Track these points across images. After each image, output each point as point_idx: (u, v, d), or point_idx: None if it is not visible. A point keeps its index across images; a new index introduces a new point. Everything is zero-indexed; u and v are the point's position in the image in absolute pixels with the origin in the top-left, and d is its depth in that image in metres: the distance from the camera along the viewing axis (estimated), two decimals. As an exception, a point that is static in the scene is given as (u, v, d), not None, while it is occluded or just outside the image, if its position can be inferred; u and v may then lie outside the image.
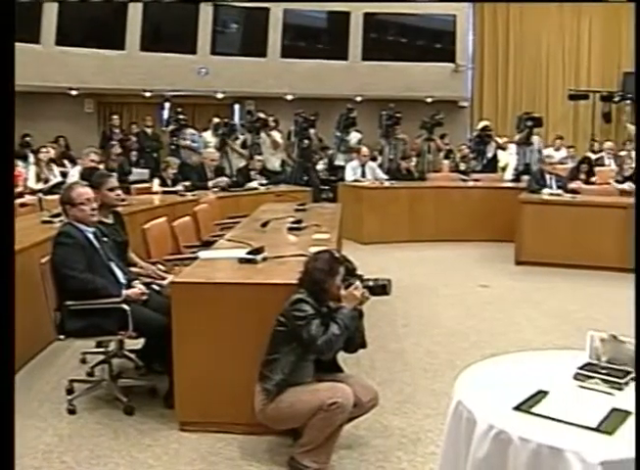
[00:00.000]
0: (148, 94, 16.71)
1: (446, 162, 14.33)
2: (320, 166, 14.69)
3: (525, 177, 11.67)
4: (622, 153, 13.70)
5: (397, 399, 5.18)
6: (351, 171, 12.22)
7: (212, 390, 4.50)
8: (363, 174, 12.15)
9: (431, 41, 18.75)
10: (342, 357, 4.41)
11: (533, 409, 2.79)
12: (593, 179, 11.51)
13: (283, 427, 4.24)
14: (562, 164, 13.34)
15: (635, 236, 8.04)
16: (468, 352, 5.92)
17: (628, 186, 11.10)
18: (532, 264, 9.59)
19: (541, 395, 2.91)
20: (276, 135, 13.62)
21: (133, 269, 5.52)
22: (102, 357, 5.43)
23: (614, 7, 17.87)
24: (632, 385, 3.05)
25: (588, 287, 8.74)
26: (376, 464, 4.26)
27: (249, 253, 5.12)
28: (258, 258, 5.03)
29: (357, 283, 4.04)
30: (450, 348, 6.33)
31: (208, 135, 13.58)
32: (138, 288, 4.96)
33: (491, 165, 13.54)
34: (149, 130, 15.88)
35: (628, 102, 17.42)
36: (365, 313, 4.24)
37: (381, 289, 4.11)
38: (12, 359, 3.74)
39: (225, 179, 10.82)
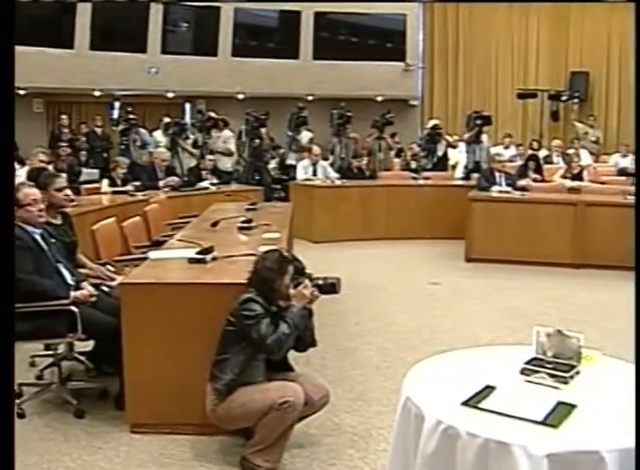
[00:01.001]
0: (97, 93, 16.54)
1: (397, 160, 14.40)
2: (272, 166, 14.67)
3: (475, 175, 11.76)
4: (570, 151, 13.88)
5: (349, 397, 5.20)
6: (303, 170, 12.22)
7: (163, 391, 4.48)
8: (314, 173, 12.16)
9: (381, 41, 18.83)
10: (293, 356, 4.41)
11: (481, 404, 2.82)
12: (540, 177, 11.67)
13: (234, 427, 4.23)
14: (511, 161, 13.52)
15: (635, 236, 8.12)
16: (419, 349, 5.95)
17: (576, 184, 11.28)
18: (482, 261, 9.69)
19: (489, 390, 2.94)
20: (227, 136, 13.55)
21: (82, 271, 5.46)
22: (51, 360, 5.37)
23: (561, 7, 18.10)
24: (577, 379, 3.10)
25: (537, 283, 8.85)
26: (328, 462, 4.27)
27: (198, 253, 5.11)
28: (208, 257, 5.02)
29: (306, 282, 4.04)
30: (401, 345, 6.37)
31: (159, 135, 13.47)
32: (87, 289, 4.91)
33: (442, 164, 13.62)
34: (98, 130, 15.73)
35: (576, 101, 17.67)
36: (316, 312, 4.24)
37: (330, 287, 4.11)
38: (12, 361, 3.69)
39: (176, 179, 10.75)
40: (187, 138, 13.39)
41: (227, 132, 13.47)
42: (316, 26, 18.00)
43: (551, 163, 13.66)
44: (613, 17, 17.94)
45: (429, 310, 7.59)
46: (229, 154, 13.04)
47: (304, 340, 4.21)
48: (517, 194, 10.28)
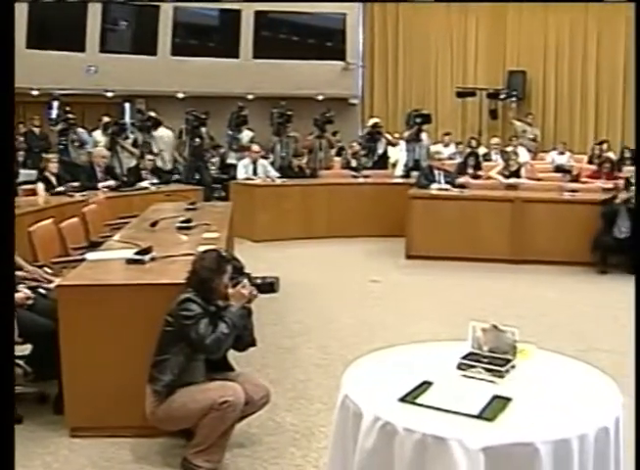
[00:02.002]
0: (35, 93, 16.25)
1: (338, 159, 14.41)
2: (212, 165, 14.58)
3: (415, 173, 11.84)
4: (509, 148, 14.06)
5: (290, 396, 5.22)
6: (243, 169, 12.19)
7: (103, 394, 4.44)
8: (255, 172, 12.13)
9: (321, 40, 18.83)
10: (234, 356, 4.41)
11: (418, 400, 2.85)
12: (479, 174, 11.81)
13: (175, 428, 4.21)
14: (450, 159, 13.64)
15: (635, 236, 8.21)
16: (359, 347, 5.95)
17: (514, 181, 11.43)
18: (423, 258, 9.77)
19: (426, 385, 2.97)
20: (164, 133, 13.46)
21: (18, 273, 5.37)
22: (-14, 364, 5.27)
23: (499, 7, 18.32)
24: (513, 372, 3.15)
25: (477, 279, 8.97)
26: (270, 461, 4.28)
27: (136, 253, 5.07)
28: (146, 258, 4.99)
29: (245, 281, 4.04)
30: (342, 342, 6.40)
31: (98, 135, 13.31)
32: (23, 292, 4.84)
33: (382, 162, 13.69)
34: (36, 130, 15.47)
35: (513, 99, 17.87)
36: (257, 311, 4.25)
37: (268, 287, 4.13)
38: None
39: (112, 183, 10.58)
40: (127, 138, 13.26)
41: (161, 131, 13.41)
42: (256, 25, 17.92)
43: (490, 160, 13.82)
44: (549, 16, 18.18)
45: (369, 308, 7.64)
46: (136, 155, 12.85)
47: (244, 339, 4.21)
48: (455, 191, 10.40)
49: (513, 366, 3.18)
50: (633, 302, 8.14)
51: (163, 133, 13.62)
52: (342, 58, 18.51)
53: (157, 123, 13.63)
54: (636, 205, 9.46)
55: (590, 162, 14.46)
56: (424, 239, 9.93)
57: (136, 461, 4.25)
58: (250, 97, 17.21)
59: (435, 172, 10.79)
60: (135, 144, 13.16)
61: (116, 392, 4.40)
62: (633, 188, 9.72)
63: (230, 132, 14.60)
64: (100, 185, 10.35)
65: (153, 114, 13.95)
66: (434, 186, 10.54)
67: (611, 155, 14.44)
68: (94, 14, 16.51)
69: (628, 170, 11.16)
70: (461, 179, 11.00)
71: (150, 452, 4.34)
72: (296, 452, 4.39)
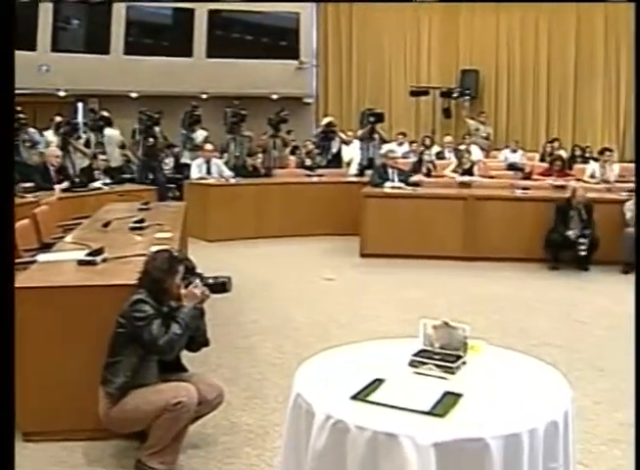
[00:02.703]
0: (-16, 92, 16.04)
1: (292, 158, 14.43)
2: (166, 165, 14.48)
3: (369, 172, 11.89)
4: (462, 146, 14.19)
5: (245, 396, 5.21)
6: (197, 169, 12.13)
7: (55, 397, 4.39)
8: (209, 172, 12.08)
9: (275, 39, 18.82)
10: (189, 357, 4.40)
11: (370, 398, 2.86)
12: (433, 172, 11.91)
13: (128, 430, 4.18)
14: (405, 158, 13.72)
15: (636, 235, 8.27)
16: (314, 345, 5.97)
17: (467, 178, 11.55)
18: (377, 256, 9.82)
19: (377, 383, 2.99)
20: (109, 133, 13.36)
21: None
22: None
23: (452, 7, 18.45)
24: (464, 368, 3.18)
25: (431, 276, 9.05)
26: (224, 461, 4.27)
27: (88, 254, 5.02)
28: (98, 259, 4.95)
29: (197, 281, 4.03)
30: (297, 341, 6.41)
31: (50, 134, 13.15)
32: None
33: (336, 161, 13.75)
34: (-14, 130, 15.25)
35: (466, 98, 18.02)
36: (212, 311, 4.25)
37: (221, 287, 4.11)
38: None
39: (64, 186, 10.44)
40: (79, 138, 13.13)
41: (108, 131, 13.32)
42: (210, 24, 17.84)
43: (443, 158, 13.94)
44: (501, 16, 18.38)
45: (324, 307, 7.66)
46: (88, 155, 12.70)
47: (197, 340, 4.20)
48: (409, 189, 10.47)
49: (464, 362, 3.20)
50: (586, 297, 8.33)
51: (109, 133, 13.51)
52: (296, 57, 18.51)
53: (108, 123, 13.53)
54: (636, 204, 9.60)
55: (542, 159, 14.67)
56: (378, 237, 9.99)
57: (89, 464, 4.22)
58: (203, 96, 17.14)
59: (389, 171, 10.85)
60: (87, 144, 13.04)
61: (69, 395, 4.36)
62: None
63: (184, 132, 14.54)
64: (56, 186, 10.22)
65: (105, 113, 13.83)
66: (388, 184, 10.60)
67: (562, 153, 14.65)
68: (45, 12, 16.30)
69: (579, 168, 11.37)
70: (414, 177, 11.06)
71: (103, 455, 4.30)
72: (250, 452, 4.39)
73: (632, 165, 14.24)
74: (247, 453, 4.37)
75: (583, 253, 9.38)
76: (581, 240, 9.36)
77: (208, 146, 12.56)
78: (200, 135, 14.46)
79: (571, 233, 9.43)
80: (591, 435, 4.66)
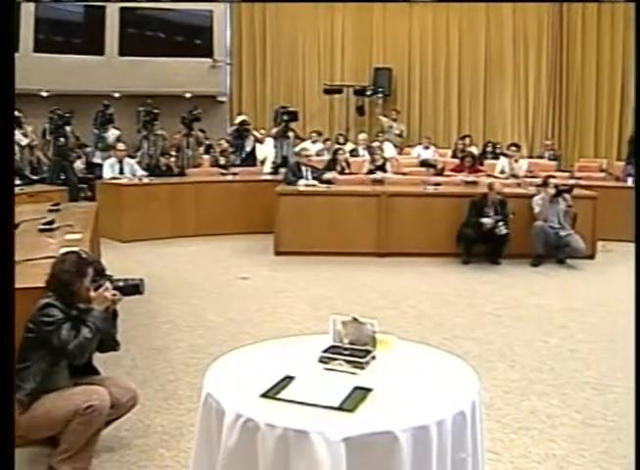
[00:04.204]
0: None
1: (206, 157, 14.34)
2: (77, 165, 14.24)
3: (283, 170, 11.91)
4: (375, 144, 14.31)
5: (159, 397, 5.17)
6: (109, 169, 11.95)
7: (-39, 404, 4.28)
8: (121, 171, 11.92)
9: (189, 37, 18.65)
10: (103, 359, 4.34)
11: (280, 395, 2.87)
12: (348, 170, 11.99)
13: (40, 436, 4.10)
14: (319, 155, 13.79)
15: (635, 232, 8.35)
16: (228, 344, 5.95)
17: (380, 175, 11.66)
18: (292, 254, 9.86)
19: (288, 380, 3.00)
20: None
21: None
22: None
23: (365, 6, 18.59)
24: (373, 363, 3.22)
25: (345, 273, 9.11)
26: (139, 464, 4.24)
27: (-6, 257, 4.91)
28: (5, 262, 4.83)
29: (107, 284, 3.96)
30: (212, 341, 6.39)
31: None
32: None
33: (250, 159, 13.74)
34: None
35: (380, 95, 18.17)
36: (126, 312, 4.19)
37: (132, 289, 4.06)
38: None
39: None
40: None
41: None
42: (122, 22, 17.56)
43: (357, 156, 14.04)
44: (413, 15, 18.59)
45: (238, 305, 7.64)
46: None
47: (108, 342, 4.14)
48: (322, 187, 10.52)
49: (373, 357, 3.23)
50: (498, 290, 8.51)
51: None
52: (210, 55, 18.38)
53: (18, 123, 13.22)
54: (636, 203, 9.80)
55: (454, 156, 14.86)
56: (292, 235, 10.02)
57: (-1, 472, 4.13)
58: (116, 95, 16.90)
59: (303, 169, 10.89)
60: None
61: (-23, 401, 4.25)
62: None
63: (95, 131, 14.34)
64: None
65: (16, 112, 13.53)
66: (302, 182, 10.65)
67: (473, 149, 14.91)
68: (-50, 9, 15.85)
69: (489, 164, 11.58)
70: (328, 175, 11.12)
71: (15, 462, 4.21)
72: (165, 453, 4.36)
73: (541, 161, 14.69)
74: (161, 455, 4.34)
75: (504, 231, 9.54)
76: (500, 223, 9.52)
77: (121, 145, 12.40)
78: (112, 134, 14.26)
79: (486, 220, 9.57)
80: (502, 424, 4.78)
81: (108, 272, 4.18)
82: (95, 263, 4.11)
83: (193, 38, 18.69)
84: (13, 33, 3.37)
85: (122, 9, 17.48)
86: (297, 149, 12.22)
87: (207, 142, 15.13)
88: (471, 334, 6.76)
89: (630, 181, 12.02)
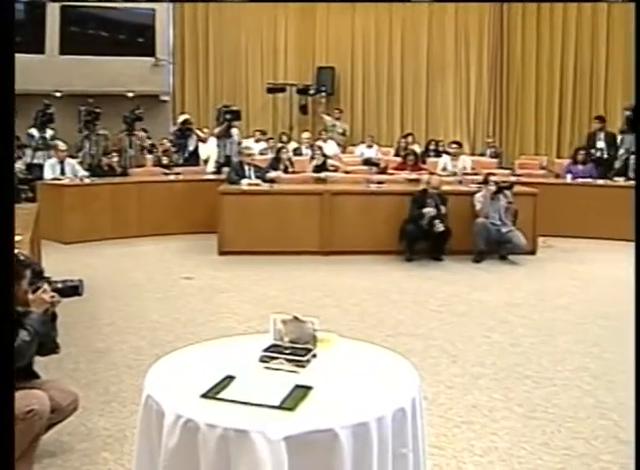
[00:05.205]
0: None
1: (149, 156, 14.25)
2: (17, 166, 14.02)
3: (227, 169, 11.88)
4: (319, 142, 14.36)
5: (102, 400, 5.11)
6: (50, 169, 11.78)
7: None
8: (62, 172, 11.76)
9: (131, 35, 18.54)
10: (44, 362, 4.29)
11: (220, 395, 2.86)
12: (291, 169, 12.01)
13: (-23, 443, 4.04)
14: (262, 154, 13.79)
15: (635, 231, 8.37)
16: (173, 345, 5.89)
17: (323, 174, 11.71)
18: (235, 254, 9.84)
19: (228, 380, 2.99)
20: None
21: None
22: None
23: (308, 6, 18.62)
24: (314, 362, 3.22)
25: (289, 272, 9.12)
26: (82, 468, 4.19)
27: None
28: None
29: (45, 286, 3.91)
30: (156, 342, 6.34)
31: None
32: None
33: (193, 159, 13.68)
34: None
35: (323, 94, 18.24)
36: (69, 314, 4.14)
37: (72, 290, 4.01)
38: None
39: None
40: None
41: None
42: (63, 20, 17.38)
43: (301, 155, 14.06)
44: (356, 15, 18.71)
45: (182, 305, 7.60)
46: None
47: (47, 345, 4.09)
48: (266, 186, 10.52)
49: (314, 355, 3.24)
50: (441, 286, 8.60)
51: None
52: (152, 54, 18.30)
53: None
54: (636, 203, 9.89)
55: (397, 154, 14.99)
56: (236, 235, 10.00)
57: None
58: (57, 94, 16.72)
59: (246, 168, 10.88)
60: None
61: None
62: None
63: (36, 131, 14.12)
64: None
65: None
66: (245, 181, 10.63)
67: (415, 147, 15.03)
68: None
69: (432, 162, 11.68)
70: (272, 174, 11.12)
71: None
72: (108, 457, 4.32)
73: (482, 158, 14.87)
74: (104, 459, 4.30)
75: (441, 228, 9.63)
76: (436, 221, 9.63)
77: (62, 146, 12.22)
78: (52, 134, 14.07)
79: (426, 210, 9.65)
80: (445, 418, 4.83)
81: (47, 274, 4.13)
82: (33, 265, 4.05)
83: (135, 37, 18.57)
84: (13, 33, 3.27)
85: (63, 7, 17.29)
86: (240, 147, 12.22)
87: (150, 142, 15.02)
88: (414, 330, 6.81)
89: (569, 178, 12.25)
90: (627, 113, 13.41)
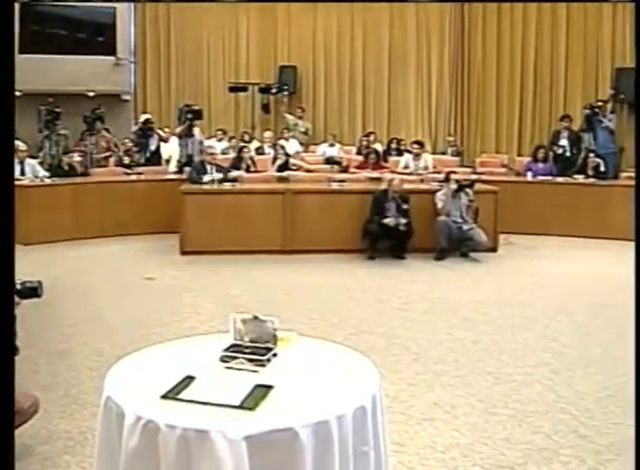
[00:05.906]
0: None
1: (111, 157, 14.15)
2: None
3: (188, 168, 11.84)
4: (281, 141, 14.36)
5: (63, 402, 5.08)
6: (10, 170, 11.67)
7: None
8: (22, 172, 11.62)
9: (91, 34, 18.31)
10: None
11: (180, 395, 2.86)
12: (253, 168, 12.02)
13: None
14: (224, 154, 13.77)
15: (635, 230, 8.36)
16: (135, 346, 5.83)
17: (286, 173, 11.73)
18: (198, 254, 9.82)
19: (188, 380, 2.98)
20: None
21: None
22: None
23: (269, 5, 18.60)
24: (275, 360, 3.23)
25: (251, 271, 9.14)
26: (42, 471, 4.17)
27: None
28: None
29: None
30: (117, 343, 6.27)
31: None
32: None
33: (155, 158, 13.61)
34: None
35: (285, 93, 18.21)
36: (29, 316, 4.11)
37: (30, 291, 3.99)
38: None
39: None
40: None
41: None
42: (22, 18, 17.15)
43: (263, 154, 14.06)
44: (317, 14, 18.69)
45: (144, 306, 7.58)
46: None
47: (5, 347, 4.06)
48: (228, 185, 10.52)
49: (274, 354, 3.24)
50: (403, 284, 8.65)
51: None
52: (113, 53, 18.11)
53: None
54: (636, 202, 9.95)
55: (358, 153, 15.02)
56: (198, 234, 9.98)
57: None
58: (16, 94, 16.50)
59: (208, 167, 10.86)
60: None
61: None
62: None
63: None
64: None
65: None
66: (206, 178, 10.63)
67: (377, 146, 15.09)
68: None
69: (393, 160, 11.74)
70: (234, 173, 11.11)
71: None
72: (70, 460, 4.30)
73: (444, 157, 14.99)
74: (66, 462, 4.28)
75: (404, 228, 9.70)
76: (401, 225, 9.70)
77: (22, 146, 12.08)
78: (12, 135, 13.93)
79: (388, 221, 9.74)
80: (407, 416, 4.86)
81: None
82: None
83: (96, 36, 18.34)
84: (13, 33, 3.28)
85: (22, 5, 17.04)
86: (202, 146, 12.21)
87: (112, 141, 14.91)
88: (376, 329, 6.85)
89: (530, 176, 12.38)
90: (587, 111, 13.59)
